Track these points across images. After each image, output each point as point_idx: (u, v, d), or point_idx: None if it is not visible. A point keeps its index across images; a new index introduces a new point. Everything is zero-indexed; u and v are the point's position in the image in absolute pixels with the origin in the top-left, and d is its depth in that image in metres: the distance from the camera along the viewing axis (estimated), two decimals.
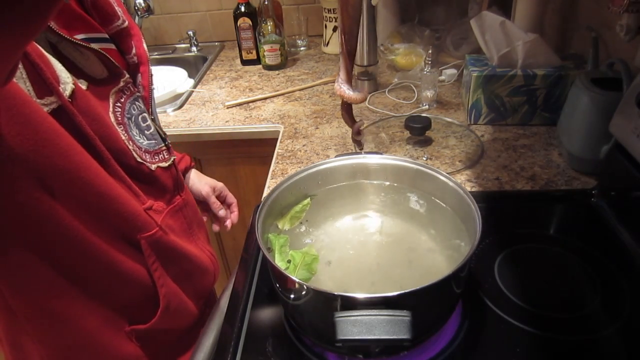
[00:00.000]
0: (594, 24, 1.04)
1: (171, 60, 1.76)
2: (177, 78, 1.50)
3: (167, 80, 1.48)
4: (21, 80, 0.48)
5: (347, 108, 0.60)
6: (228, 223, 0.95)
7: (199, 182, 0.91)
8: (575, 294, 0.68)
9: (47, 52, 0.51)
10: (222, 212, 0.93)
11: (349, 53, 0.53)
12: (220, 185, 0.94)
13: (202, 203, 0.92)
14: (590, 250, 0.74)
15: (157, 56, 1.78)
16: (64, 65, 0.52)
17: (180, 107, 1.38)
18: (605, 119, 0.81)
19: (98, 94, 0.57)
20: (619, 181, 0.82)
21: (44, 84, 0.49)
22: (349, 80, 0.55)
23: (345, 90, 0.55)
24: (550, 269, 0.73)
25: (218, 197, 0.93)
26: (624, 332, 0.62)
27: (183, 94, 1.44)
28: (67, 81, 0.52)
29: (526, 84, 1.05)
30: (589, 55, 1.00)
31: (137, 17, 1.61)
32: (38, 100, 0.49)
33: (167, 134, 0.72)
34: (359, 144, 0.65)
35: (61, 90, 0.51)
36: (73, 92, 0.52)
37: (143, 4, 1.58)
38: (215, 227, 0.95)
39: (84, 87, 0.55)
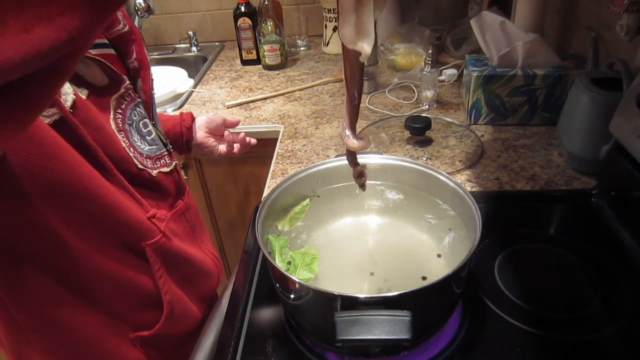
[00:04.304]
0: (594, 24, 1.04)
1: (171, 60, 1.76)
2: (177, 78, 1.50)
3: (167, 80, 1.48)
4: None
5: (351, 151, 0.59)
6: (236, 150, 0.97)
7: (197, 131, 0.94)
8: (575, 294, 0.68)
9: None
10: (222, 148, 0.95)
11: (352, 100, 0.51)
12: (216, 121, 0.95)
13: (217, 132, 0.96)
14: (590, 250, 0.74)
15: (157, 56, 1.78)
16: None
17: (180, 107, 1.38)
18: (605, 119, 0.81)
19: (99, 102, 0.57)
20: (619, 181, 0.82)
21: None
22: (352, 126, 0.54)
23: (347, 135, 0.54)
24: (550, 269, 0.73)
25: (218, 130, 0.95)
26: (624, 332, 0.62)
27: (183, 94, 1.44)
28: (67, 92, 0.51)
29: (526, 84, 1.05)
30: (589, 55, 1.00)
31: (137, 17, 1.61)
32: None
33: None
34: (362, 186, 0.65)
35: (62, 101, 0.50)
36: (74, 102, 0.52)
37: (143, 4, 1.58)
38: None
39: (84, 96, 0.55)
